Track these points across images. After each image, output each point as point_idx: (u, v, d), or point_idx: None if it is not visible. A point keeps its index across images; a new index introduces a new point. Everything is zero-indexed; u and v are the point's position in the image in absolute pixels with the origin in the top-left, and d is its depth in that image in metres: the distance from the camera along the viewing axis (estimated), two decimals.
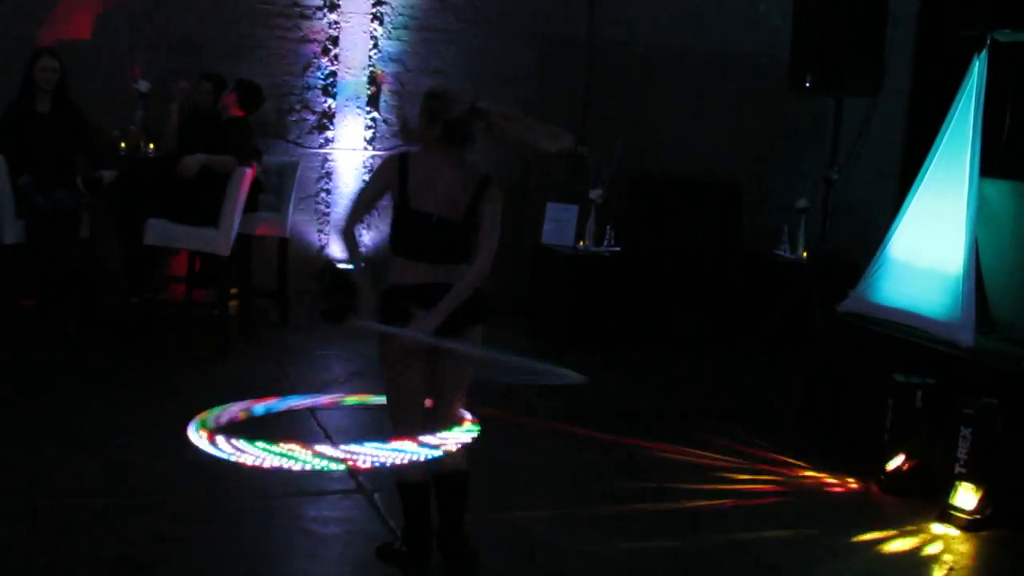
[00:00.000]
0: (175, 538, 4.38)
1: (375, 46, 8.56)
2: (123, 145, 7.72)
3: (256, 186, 7.50)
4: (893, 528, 5.10)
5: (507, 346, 8.17)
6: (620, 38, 9.11)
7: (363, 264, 4.21)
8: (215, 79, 7.63)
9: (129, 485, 4.94)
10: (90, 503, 4.69)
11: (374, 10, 8.53)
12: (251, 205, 7.42)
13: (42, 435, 5.49)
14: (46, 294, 7.48)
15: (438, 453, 3.98)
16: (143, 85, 7.79)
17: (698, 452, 5.96)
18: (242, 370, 6.83)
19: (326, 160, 8.63)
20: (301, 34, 8.40)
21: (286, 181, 8.01)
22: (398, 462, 3.92)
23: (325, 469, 4.08)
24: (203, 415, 4.07)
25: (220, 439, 3.87)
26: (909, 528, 5.11)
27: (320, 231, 8.65)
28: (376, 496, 4.97)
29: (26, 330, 7.25)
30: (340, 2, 8.41)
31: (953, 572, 4.68)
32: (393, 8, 8.58)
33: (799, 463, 5.85)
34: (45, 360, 6.78)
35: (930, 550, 4.89)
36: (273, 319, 8.12)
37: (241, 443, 3.85)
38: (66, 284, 7.48)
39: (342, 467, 4.46)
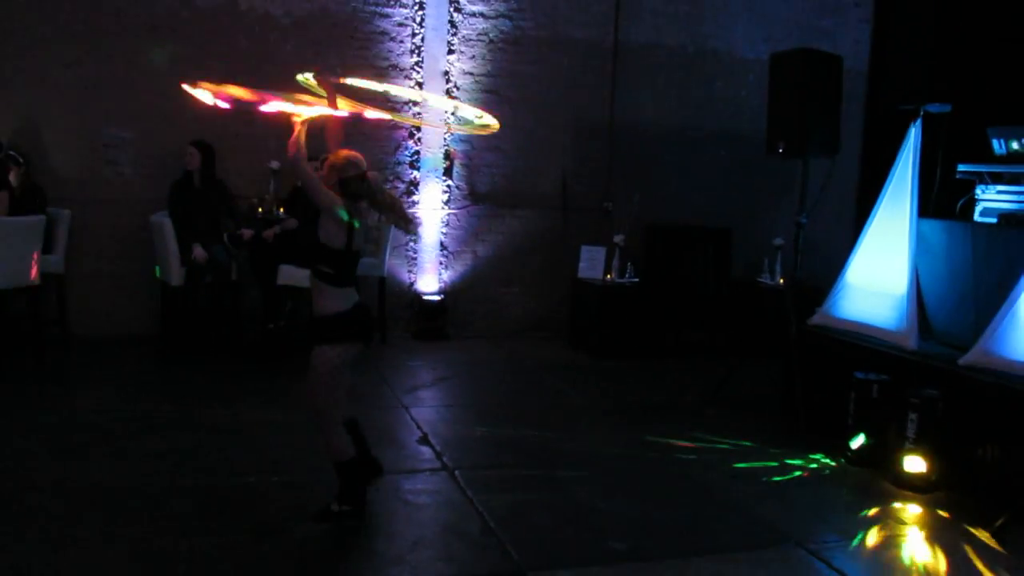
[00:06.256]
0: (304, 508, 4.36)
1: (448, 131, 8.64)
2: (260, 210, 7.85)
3: None
4: (858, 491, 5.06)
5: (556, 359, 8.12)
6: (634, 119, 9.15)
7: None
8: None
9: (269, 466, 4.95)
10: (234, 481, 4.71)
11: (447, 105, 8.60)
12: None
13: (197, 427, 5.55)
14: (205, 324, 7.63)
15: None
16: (275, 164, 7.93)
17: (703, 436, 5.94)
18: (353, 379, 6.87)
19: (413, 218, 8.70)
20: (393, 123, 8.50)
21: (383, 234, 8.10)
22: None
23: None
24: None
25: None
26: (870, 490, 5.06)
27: (409, 271, 8.73)
28: (457, 472, 4.99)
29: (190, 351, 7.40)
30: (421, 100, 8.49)
31: (905, 520, 4.64)
32: (461, 103, 8.64)
33: (783, 444, 5.81)
34: (205, 372, 6.90)
35: (887, 506, 4.84)
36: (375, 339, 8.18)
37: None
38: (220, 316, 7.63)
39: None
